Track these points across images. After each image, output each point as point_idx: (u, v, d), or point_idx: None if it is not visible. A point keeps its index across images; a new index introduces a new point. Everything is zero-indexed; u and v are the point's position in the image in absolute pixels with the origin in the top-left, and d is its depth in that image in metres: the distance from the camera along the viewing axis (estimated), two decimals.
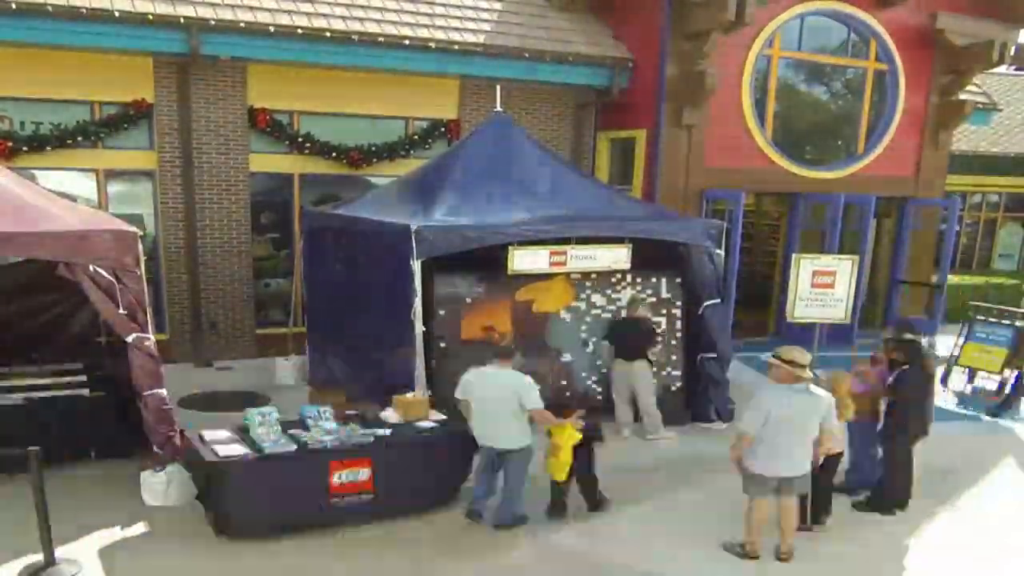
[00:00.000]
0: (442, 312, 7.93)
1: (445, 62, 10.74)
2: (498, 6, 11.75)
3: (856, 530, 6.44)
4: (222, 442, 5.85)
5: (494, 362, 6.11)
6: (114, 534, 5.82)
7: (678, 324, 8.93)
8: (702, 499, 6.84)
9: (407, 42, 10.37)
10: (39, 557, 5.25)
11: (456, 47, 10.66)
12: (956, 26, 12.56)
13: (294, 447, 5.82)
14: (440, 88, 11.37)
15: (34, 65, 9.24)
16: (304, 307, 10.22)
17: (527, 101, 11.89)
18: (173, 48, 9.38)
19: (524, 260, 7.79)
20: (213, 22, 9.35)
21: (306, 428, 6.19)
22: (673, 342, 8.89)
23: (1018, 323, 10.58)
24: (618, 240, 8.17)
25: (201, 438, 5.97)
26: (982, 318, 10.92)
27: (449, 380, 7.85)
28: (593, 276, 8.50)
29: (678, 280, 8.90)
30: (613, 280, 8.62)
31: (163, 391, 6.26)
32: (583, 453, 6.28)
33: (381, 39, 10.23)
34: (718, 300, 8.78)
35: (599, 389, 8.68)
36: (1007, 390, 10.17)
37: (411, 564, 5.64)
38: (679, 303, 8.90)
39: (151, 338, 6.23)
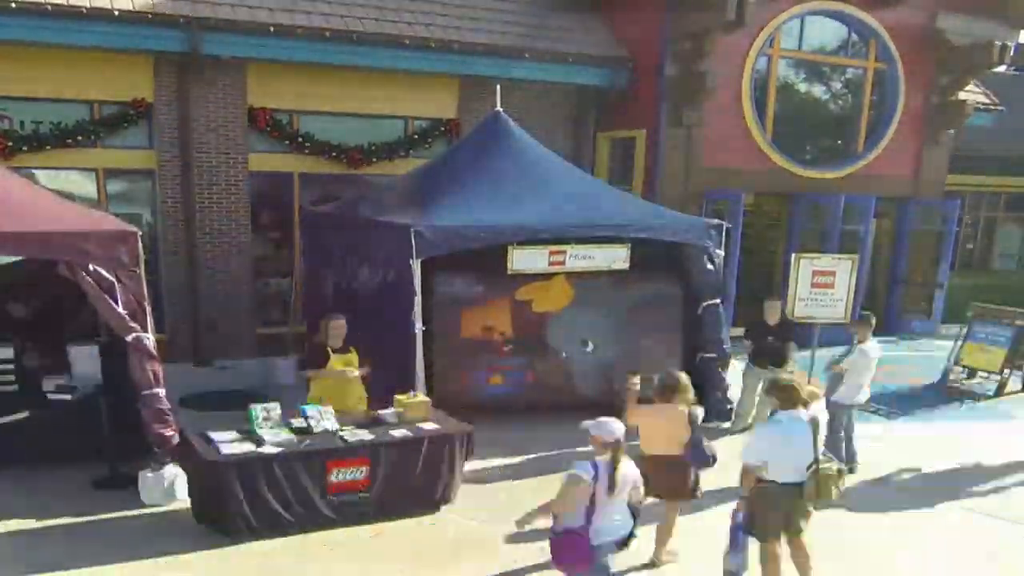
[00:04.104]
0: (442, 312, 7.92)
1: (445, 62, 10.75)
2: (498, 6, 11.75)
3: None
4: (225, 442, 5.87)
5: None
6: (113, 534, 5.83)
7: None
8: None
9: (407, 42, 10.38)
10: None
11: (456, 47, 10.67)
12: (956, 26, 12.58)
13: (292, 446, 5.85)
14: (440, 88, 11.37)
15: (34, 65, 9.24)
16: (304, 307, 10.22)
17: (527, 101, 11.86)
18: (173, 47, 9.39)
19: (523, 259, 7.79)
20: (213, 21, 9.36)
21: (307, 427, 6.20)
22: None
23: (1018, 323, 10.59)
24: (617, 240, 8.17)
25: (206, 438, 5.98)
26: (982, 318, 10.93)
27: (449, 380, 7.90)
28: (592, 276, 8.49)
29: (678, 280, 8.89)
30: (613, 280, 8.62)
31: (162, 391, 6.25)
32: None
33: (381, 39, 10.23)
34: (718, 300, 8.78)
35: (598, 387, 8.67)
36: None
37: (411, 563, 5.64)
38: (678, 303, 8.89)
39: (151, 338, 6.22)
